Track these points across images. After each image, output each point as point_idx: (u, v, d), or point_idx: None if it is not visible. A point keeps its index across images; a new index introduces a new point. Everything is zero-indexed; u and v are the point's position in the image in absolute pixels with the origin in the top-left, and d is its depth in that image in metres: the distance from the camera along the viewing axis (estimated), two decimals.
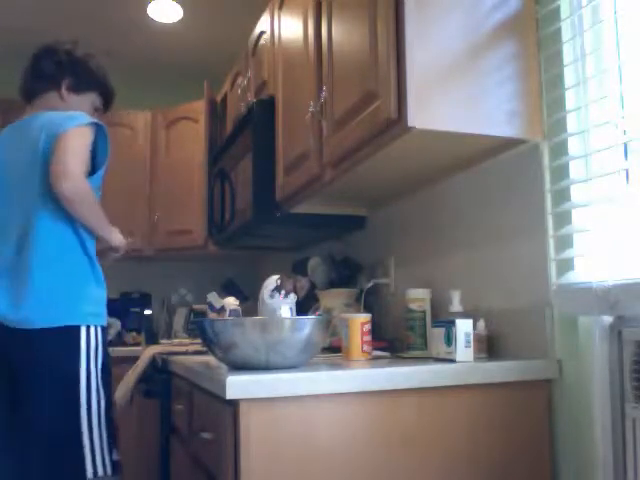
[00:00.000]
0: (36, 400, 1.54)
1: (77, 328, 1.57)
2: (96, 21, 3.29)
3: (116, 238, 1.74)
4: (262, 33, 2.42)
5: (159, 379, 1.98)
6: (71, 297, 1.59)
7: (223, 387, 1.17)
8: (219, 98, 3.22)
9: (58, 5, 3.15)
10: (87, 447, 1.55)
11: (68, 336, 1.56)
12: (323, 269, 2.25)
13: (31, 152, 1.66)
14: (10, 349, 1.58)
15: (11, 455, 1.61)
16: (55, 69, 1.78)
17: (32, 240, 1.60)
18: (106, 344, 1.66)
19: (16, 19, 3.28)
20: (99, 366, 1.60)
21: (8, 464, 1.60)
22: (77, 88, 1.81)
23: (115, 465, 1.61)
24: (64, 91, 1.79)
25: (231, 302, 2.36)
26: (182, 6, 3.18)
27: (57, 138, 1.60)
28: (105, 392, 1.61)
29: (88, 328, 1.59)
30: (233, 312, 2.31)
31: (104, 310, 1.67)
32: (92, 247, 1.68)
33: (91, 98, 1.85)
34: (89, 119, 1.67)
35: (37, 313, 1.55)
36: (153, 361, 2.07)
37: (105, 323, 1.67)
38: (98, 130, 1.69)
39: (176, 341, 2.70)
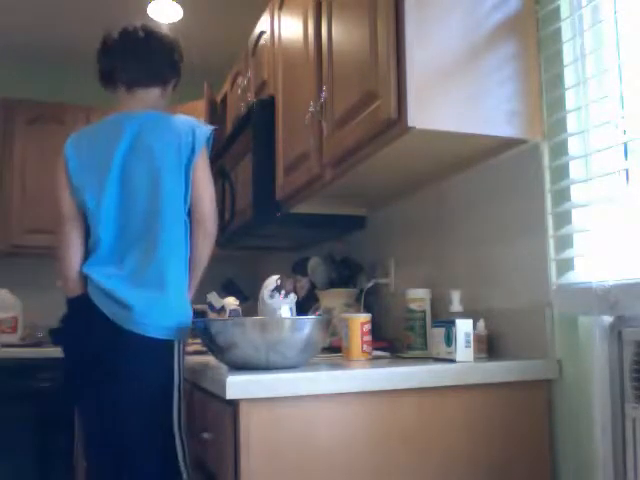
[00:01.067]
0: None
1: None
2: (96, 21, 3.29)
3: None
4: (262, 33, 2.42)
5: None
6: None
7: (223, 387, 1.17)
8: (219, 98, 3.22)
9: (58, 5, 3.15)
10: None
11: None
12: (323, 269, 2.25)
13: (155, 157, 1.59)
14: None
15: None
16: (170, 69, 1.75)
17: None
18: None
19: (16, 19, 3.28)
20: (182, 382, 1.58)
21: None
22: (175, 86, 1.81)
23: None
24: (169, 90, 1.77)
25: (231, 302, 2.35)
26: (182, 6, 3.18)
27: (194, 163, 1.59)
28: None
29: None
30: (233, 312, 2.31)
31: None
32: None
33: None
34: (209, 130, 1.65)
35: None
36: None
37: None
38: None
39: None
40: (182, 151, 1.59)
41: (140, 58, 1.70)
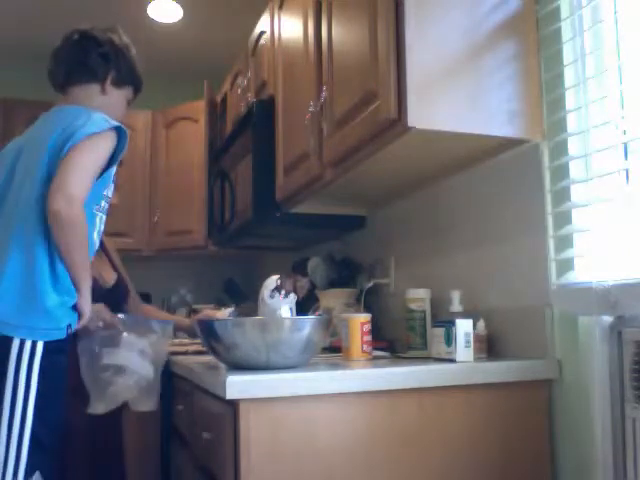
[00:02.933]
0: None
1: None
2: (96, 21, 3.27)
3: (85, 301, 1.53)
4: (262, 33, 2.42)
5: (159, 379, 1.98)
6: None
7: (223, 387, 1.17)
8: (219, 98, 3.22)
9: (58, 5, 3.15)
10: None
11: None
12: (323, 269, 2.25)
13: (38, 146, 1.55)
14: None
15: None
16: (102, 62, 1.71)
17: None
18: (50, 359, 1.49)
19: (16, 19, 3.28)
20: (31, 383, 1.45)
21: None
22: (118, 82, 1.75)
23: None
24: (108, 85, 1.72)
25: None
26: (182, 6, 3.18)
27: (70, 146, 1.49)
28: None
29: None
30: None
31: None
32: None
33: (127, 92, 1.80)
34: (110, 123, 1.56)
35: None
36: None
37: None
38: (120, 133, 1.59)
39: (176, 341, 2.70)
40: (48, 144, 1.52)
41: (64, 58, 1.72)
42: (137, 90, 1.84)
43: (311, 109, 1.81)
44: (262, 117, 2.19)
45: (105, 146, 1.55)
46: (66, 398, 1.58)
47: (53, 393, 1.48)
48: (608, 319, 1.26)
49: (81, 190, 1.46)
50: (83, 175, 1.47)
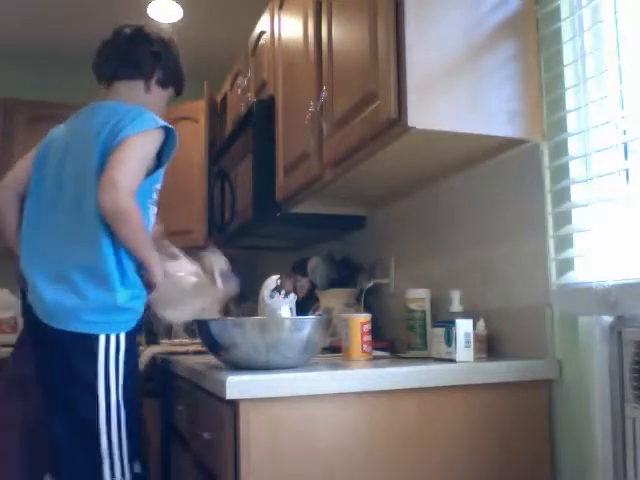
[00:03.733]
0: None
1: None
2: (96, 21, 3.29)
3: (155, 268, 1.59)
4: (262, 33, 2.42)
5: (159, 379, 1.98)
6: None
7: (223, 387, 1.17)
8: (219, 98, 3.22)
9: (58, 5, 3.15)
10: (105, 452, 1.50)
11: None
12: (323, 269, 2.25)
13: (88, 142, 1.57)
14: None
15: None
16: (151, 60, 1.72)
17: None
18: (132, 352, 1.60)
19: (16, 19, 3.27)
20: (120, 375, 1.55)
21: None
22: (164, 82, 1.76)
23: (136, 477, 1.55)
24: (153, 84, 1.73)
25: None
26: (182, 6, 3.18)
27: (119, 141, 1.52)
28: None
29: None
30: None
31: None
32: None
33: (169, 92, 1.81)
34: (159, 122, 1.59)
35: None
36: (153, 361, 2.07)
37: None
38: (168, 132, 1.62)
39: (176, 341, 2.70)
40: (100, 139, 1.55)
41: (116, 53, 1.72)
42: (178, 92, 1.86)
43: (311, 109, 1.81)
44: (262, 117, 2.19)
45: (153, 144, 1.59)
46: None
47: (134, 379, 1.59)
48: (608, 319, 1.26)
49: (128, 182, 1.49)
50: (130, 169, 1.51)
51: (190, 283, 1.81)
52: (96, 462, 1.49)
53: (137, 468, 1.55)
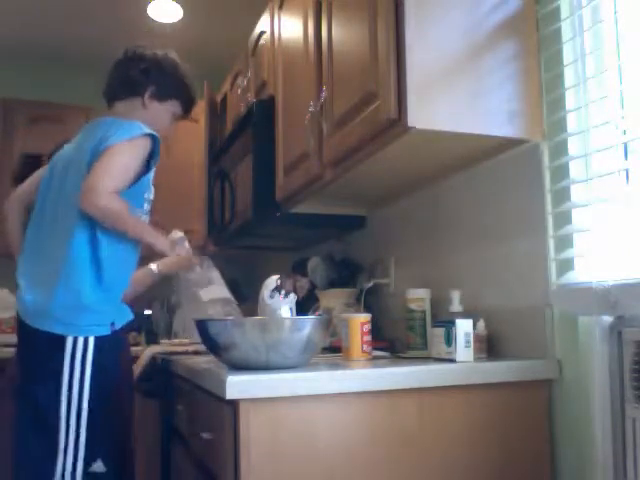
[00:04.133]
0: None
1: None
2: (96, 21, 3.29)
3: (160, 243, 1.66)
4: (262, 33, 2.42)
5: (159, 379, 1.98)
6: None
7: (223, 387, 1.17)
8: (219, 98, 3.22)
9: (58, 5, 3.15)
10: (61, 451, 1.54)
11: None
12: (323, 269, 2.25)
13: (83, 157, 1.64)
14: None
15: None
16: (141, 76, 1.78)
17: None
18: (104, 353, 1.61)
19: (16, 19, 3.27)
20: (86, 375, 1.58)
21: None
22: (160, 96, 1.81)
23: (91, 477, 1.57)
24: (147, 99, 1.79)
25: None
26: (182, 6, 3.18)
27: (103, 149, 1.58)
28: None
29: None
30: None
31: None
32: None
33: (172, 106, 1.85)
34: (143, 130, 1.64)
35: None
36: (153, 361, 2.07)
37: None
38: (154, 141, 1.67)
39: (176, 341, 2.70)
40: (90, 149, 1.62)
41: (113, 75, 1.81)
42: (185, 103, 1.89)
43: (311, 109, 1.81)
44: (262, 117, 2.19)
45: (138, 151, 1.64)
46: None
47: (108, 388, 1.59)
48: (608, 319, 1.26)
49: (108, 183, 1.54)
50: (110, 173, 1.56)
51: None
52: (50, 453, 1.54)
53: (98, 468, 1.57)
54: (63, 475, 1.53)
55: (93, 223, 1.58)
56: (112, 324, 1.61)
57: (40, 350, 1.57)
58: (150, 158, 1.67)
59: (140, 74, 1.78)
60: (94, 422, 1.56)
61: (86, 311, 1.57)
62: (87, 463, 1.55)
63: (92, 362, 1.56)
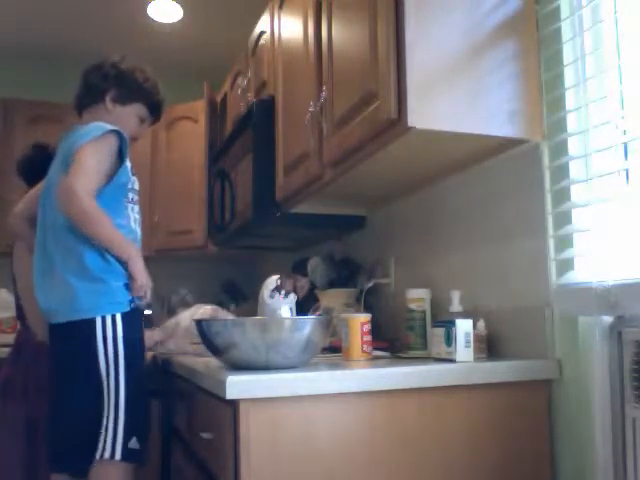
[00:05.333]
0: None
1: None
2: (96, 21, 3.29)
3: (131, 260, 1.66)
4: (262, 33, 2.42)
5: (159, 379, 1.98)
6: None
7: (223, 387, 1.17)
8: (219, 98, 3.22)
9: (58, 5, 3.15)
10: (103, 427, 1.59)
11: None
12: (323, 269, 2.25)
13: (58, 165, 1.73)
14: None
15: None
16: (101, 82, 1.83)
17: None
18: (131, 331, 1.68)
19: (16, 19, 3.27)
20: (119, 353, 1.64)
21: None
22: (122, 99, 1.85)
23: (130, 453, 1.61)
24: (108, 103, 1.83)
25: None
26: (182, 6, 3.18)
27: (73, 154, 1.65)
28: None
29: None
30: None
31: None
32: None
33: (136, 109, 1.88)
34: (105, 128, 1.68)
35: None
36: (153, 361, 2.07)
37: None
38: (119, 136, 1.70)
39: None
40: (65, 155, 1.69)
41: (79, 85, 1.88)
42: (150, 106, 1.93)
43: (311, 109, 1.81)
44: (262, 117, 2.19)
45: (104, 148, 1.69)
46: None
47: (137, 359, 1.67)
48: (608, 319, 1.26)
49: (81, 185, 1.59)
50: (82, 174, 1.61)
51: None
52: (92, 436, 1.59)
53: (134, 445, 1.61)
54: (102, 455, 1.57)
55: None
56: (131, 301, 1.66)
57: (72, 342, 1.63)
58: (120, 152, 1.71)
59: (100, 80, 1.84)
60: (131, 399, 1.61)
61: (102, 287, 1.63)
62: (125, 443, 1.60)
63: (123, 339, 1.62)
